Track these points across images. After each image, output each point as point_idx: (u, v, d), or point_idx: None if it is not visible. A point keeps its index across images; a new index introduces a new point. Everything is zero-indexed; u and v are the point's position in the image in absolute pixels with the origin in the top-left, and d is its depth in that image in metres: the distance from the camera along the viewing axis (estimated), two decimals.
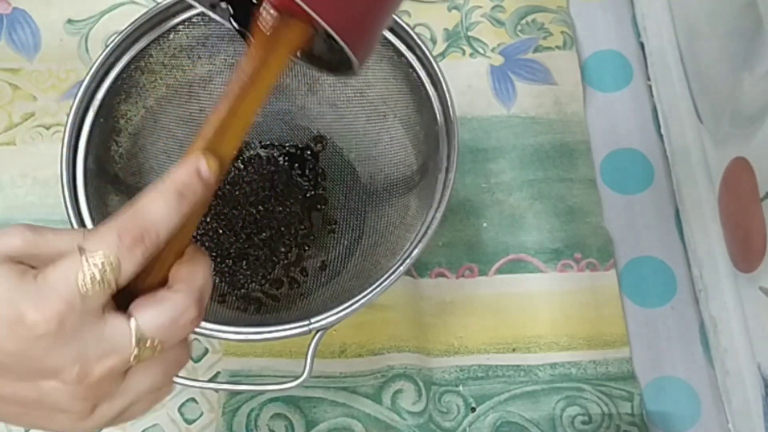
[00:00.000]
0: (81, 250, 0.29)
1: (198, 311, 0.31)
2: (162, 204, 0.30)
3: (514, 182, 0.62)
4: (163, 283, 0.32)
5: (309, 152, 0.59)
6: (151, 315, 0.30)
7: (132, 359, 0.29)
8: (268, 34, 0.34)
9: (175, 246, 0.32)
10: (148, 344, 0.29)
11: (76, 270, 0.28)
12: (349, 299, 0.45)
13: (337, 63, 0.38)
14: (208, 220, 0.57)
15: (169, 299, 0.30)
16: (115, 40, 0.49)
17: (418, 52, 0.50)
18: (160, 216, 0.30)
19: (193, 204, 0.31)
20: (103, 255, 0.29)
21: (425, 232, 0.46)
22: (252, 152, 0.59)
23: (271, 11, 0.34)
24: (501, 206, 0.61)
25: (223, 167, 0.33)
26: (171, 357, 0.31)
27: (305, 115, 0.59)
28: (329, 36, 0.32)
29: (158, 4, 0.50)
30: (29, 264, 0.29)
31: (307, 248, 0.57)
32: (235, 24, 0.41)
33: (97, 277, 0.28)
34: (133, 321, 0.29)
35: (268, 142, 0.59)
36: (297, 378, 0.45)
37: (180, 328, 0.30)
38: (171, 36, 0.51)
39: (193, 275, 0.32)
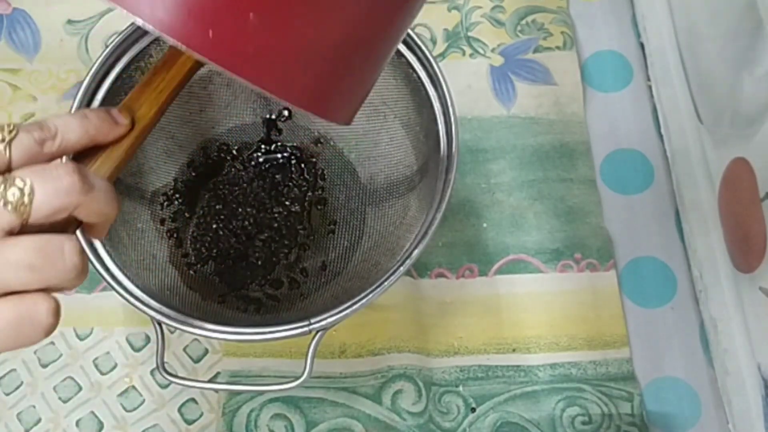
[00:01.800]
0: None
1: (82, 182, 0.30)
2: (67, 116, 0.33)
3: (514, 182, 0.62)
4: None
5: (309, 153, 0.59)
6: (27, 167, 0.30)
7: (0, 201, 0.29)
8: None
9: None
10: (15, 180, 0.29)
11: None
12: (349, 300, 0.45)
13: None
14: (208, 219, 0.57)
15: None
16: (115, 41, 0.49)
17: (418, 53, 0.50)
18: (60, 117, 0.32)
19: (96, 126, 0.33)
20: (8, 124, 0.30)
21: (425, 233, 0.46)
22: (252, 153, 0.59)
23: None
24: (501, 206, 0.61)
25: (138, 123, 0.35)
26: (53, 240, 0.30)
27: (305, 115, 0.59)
28: None
29: None
30: None
31: (307, 249, 0.57)
32: None
33: None
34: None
35: (267, 143, 0.59)
36: (297, 378, 0.45)
37: (54, 179, 0.29)
38: None
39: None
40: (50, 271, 0.29)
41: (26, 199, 0.29)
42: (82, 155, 0.34)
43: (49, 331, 0.30)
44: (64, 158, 0.33)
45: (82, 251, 0.30)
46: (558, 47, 0.67)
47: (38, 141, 0.31)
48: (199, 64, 0.38)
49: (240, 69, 0.29)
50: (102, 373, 0.56)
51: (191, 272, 0.55)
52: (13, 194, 0.29)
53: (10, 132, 0.30)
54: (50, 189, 0.29)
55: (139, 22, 0.28)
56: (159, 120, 0.37)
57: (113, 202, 0.32)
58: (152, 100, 0.37)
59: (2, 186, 0.29)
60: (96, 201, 0.31)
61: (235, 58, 0.29)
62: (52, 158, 0.32)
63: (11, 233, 0.29)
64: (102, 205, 0.32)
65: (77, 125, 0.33)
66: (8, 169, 0.30)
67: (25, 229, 0.29)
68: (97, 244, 0.47)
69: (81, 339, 0.57)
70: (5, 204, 0.29)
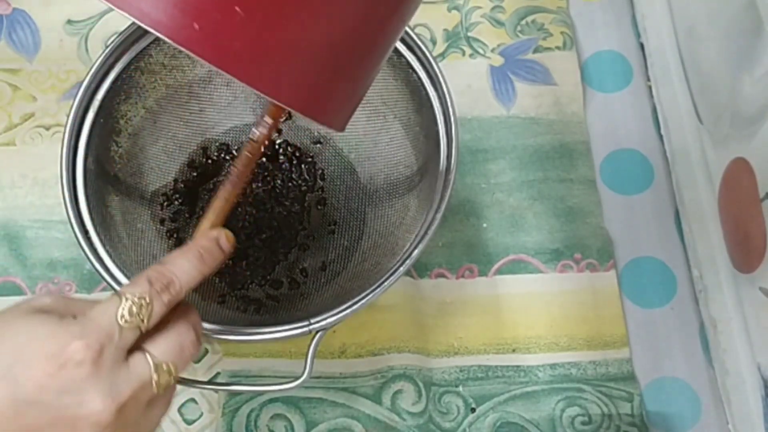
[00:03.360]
0: (119, 293, 0.34)
1: (197, 336, 0.36)
2: (185, 262, 0.36)
3: (513, 183, 0.62)
4: None
5: (309, 153, 0.59)
6: (161, 343, 0.35)
7: (154, 386, 0.34)
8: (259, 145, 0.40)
9: None
10: (164, 368, 0.34)
11: (117, 305, 0.33)
12: (349, 300, 0.45)
13: None
14: None
15: (171, 328, 0.35)
16: (115, 41, 0.49)
17: (418, 53, 0.50)
18: (183, 271, 0.36)
19: (210, 267, 0.37)
20: (138, 294, 0.34)
21: (425, 233, 0.46)
22: None
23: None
24: (501, 207, 0.61)
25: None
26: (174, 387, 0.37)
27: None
28: None
29: None
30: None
31: (307, 249, 0.57)
32: None
33: (134, 311, 0.33)
34: (147, 354, 0.34)
35: (267, 143, 0.59)
36: (297, 378, 0.45)
37: (185, 349, 0.35)
38: None
39: (187, 311, 0.37)
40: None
41: (172, 380, 0.35)
42: None
43: None
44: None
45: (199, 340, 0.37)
46: (558, 47, 0.67)
47: (168, 304, 0.35)
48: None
49: (227, 65, 0.29)
50: None
51: None
52: (164, 379, 0.34)
53: (147, 307, 0.34)
54: (183, 364, 0.36)
55: (126, 16, 0.28)
56: None
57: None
58: (225, 216, 0.41)
59: (156, 375, 0.34)
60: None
61: (221, 53, 0.29)
62: (172, 306, 0.36)
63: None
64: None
65: (196, 273, 0.37)
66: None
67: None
68: (97, 243, 0.47)
69: None
70: (158, 388, 0.34)
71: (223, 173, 0.58)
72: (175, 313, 0.36)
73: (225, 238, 0.39)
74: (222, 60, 0.28)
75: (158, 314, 0.34)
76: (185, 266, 0.36)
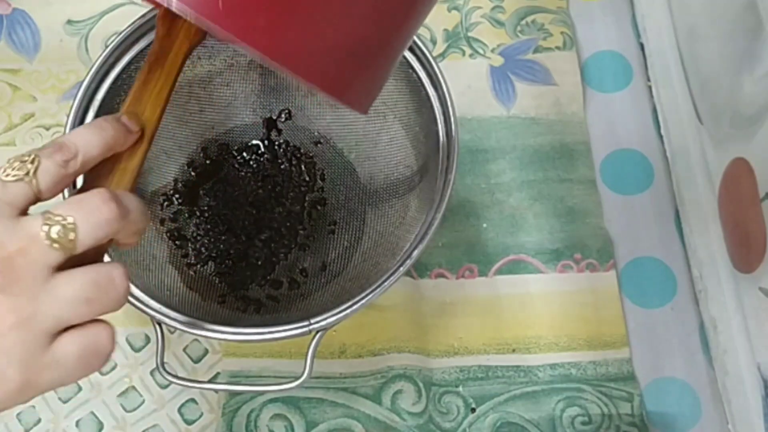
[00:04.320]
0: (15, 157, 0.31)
1: (113, 198, 0.31)
2: (83, 129, 0.33)
3: (513, 183, 0.62)
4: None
5: (309, 153, 0.59)
6: (64, 202, 0.30)
7: (45, 240, 0.29)
8: (170, 20, 0.38)
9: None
10: (57, 219, 0.29)
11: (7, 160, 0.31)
12: (349, 300, 0.45)
13: None
14: (208, 219, 0.57)
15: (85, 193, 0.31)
16: (115, 41, 0.49)
17: (418, 53, 0.50)
18: (78, 134, 0.33)
19: (114, 137, 0.34)
20: (23, 155, 0.31)
21: (425, 233, 0.46)
22: (252, 153, 0.59)
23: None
24: (501, 207, 0.61)
25: (147, 127, 0.36)
26: (102, 270, 0.31)
27: (305, 116, 0.59)
28: None
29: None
30: None
31: (307, 249, 0.57)
32: None
33: (17, 165, 0.31)
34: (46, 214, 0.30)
35: (267, 143, 0.59)
36: (297, 378, 0.45)
37: (89, 204, 0.30)
38: None
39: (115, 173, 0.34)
40: (104, 300, 0.31)
41: (71, 235, 0.30)
42: (98, 170, 0.34)
43: (110, 355, 0.32)
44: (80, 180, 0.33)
45: (127, 275, 0.32)
46: (558, 47, 0.67)
47: (62, 164, 0.32)
48: (190, 52, 0.39)
49: (250, 40, 0.28)
50: (102, 374, 0.56)
51: (191, 272, 0.55)
52: (57, 232, 0.29)
53: (32, 162, 0.31)
54: (92, 222, 0.30)
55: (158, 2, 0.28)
56: (162, 119, 0.38)
57: (146, 217, 0.33)
58: (154, 101, 0.37)
59: (46, 225, 0.29)
60: (133, 222, 0.32)
61: (244, 28, 0.28)
62: (76, 176, 0.33)
63: (60, 269, 0.30)
64: (138, 224, 0.32)
65: (96, 139, 0.33)
66: (38, 199, 0.31)
67: (69, 261, 0.30)
68: None
69: None
70: (51, 243, 0.29)
71: (223, 173, 0.58)
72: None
73: (127, 117, 0.35)
74: (246, 35, 0.28)
75: (50, 171, 0.31)
76: (82, 131, 0.33)
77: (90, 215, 0.30)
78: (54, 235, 0.29)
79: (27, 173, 0.30)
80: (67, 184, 0.32)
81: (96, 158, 0.33)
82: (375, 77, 0.36)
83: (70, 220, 0.30)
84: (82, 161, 0.32)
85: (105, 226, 0.30)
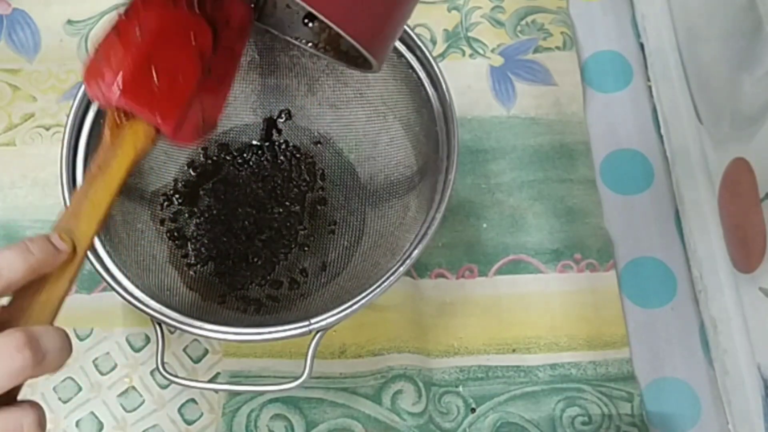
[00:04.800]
0: None
1: (34, 355, 0.30)
2: (8, 251, 0.32)
3: (514, 183, 0.62)
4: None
5: (309, 153, 0.59)
6: None
7: None
8: (117, 129, 0.38)
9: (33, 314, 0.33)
10: None
11: None
12: (349, 300, 0.45)
13: (361, 58, 0.39)
14: (208, 220, 0.57)
15: None
16: None
17: (418, 53, 0.50)
18: (3, 261, 0.31)
19: (37, 261, 0.32)
20: None
21: (425, 233, 0.46)
22: (252, 153, 0.59)
23: (121, 113, 0.38)
24: (501, 207, 0.61)
25: (79, 245, 0.35)
26: (11, 418, 0.30)
27: (305, 116, 0.59)
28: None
29: None
30: None
31: (307, 249, 0.57)
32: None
33: None
34: None
35: (267, 143, 0.59)
36: (297, 379, 0.45)
37: (6, 360, 0.29)
38: None
39: (33, 328, 0.31)
40: None
41: None
42: (24, 292, 0.33)
43: None
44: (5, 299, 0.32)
45: (41, 423, 0.31)
46: (558, 47, 0.67)
47: None
48: (134, 164, 0.38)
49: None
50: (102, 374, 0.56)
51: (191, 272, 0.55)
52: None
53: None
54: (3, 372, 0.29)
55: None
56: (98, 233, 0.37)
57: (65, 353, 0.32)
58: (90, 213, 0.36)
59: None
60: (50, 364, 0.31)
61: None
62: None
63: None
64: (55, 365, 0.31)
65: (20, 261, 0.32)
66: None
67: None
68: (98, 243, 0.47)
69: (81, 339, 0.57)
70: None
71: (223, 173, 0.58)
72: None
73: (58, 237, 0.34)
74: None
75: None
76: (5, 252, 0.32)
77: (2, 365, 0.29)
78: None
79: None
80: None
81: (20, 281, 0.32)
82: (393, 32, 0.37)
83: None
84: (3, 284, 0.31)
85: (17, 375, 0.30)
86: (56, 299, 0.34)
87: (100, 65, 0.37)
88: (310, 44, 0.44)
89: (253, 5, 0.43)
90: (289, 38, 0.45)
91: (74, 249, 0.35)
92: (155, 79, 0.37)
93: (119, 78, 0.37)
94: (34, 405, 0.31)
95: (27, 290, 0.33)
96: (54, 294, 0.34)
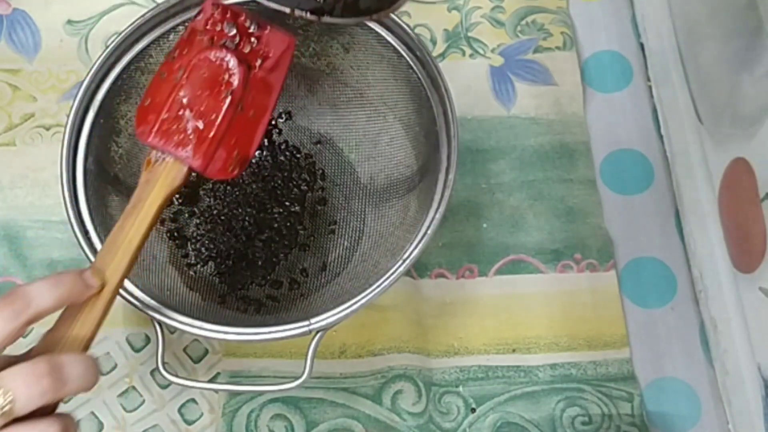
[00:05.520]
0: None
1: (58, 381, 0.33)
2: (41, 283, 0.35)
3: (514, 183, 0.62)
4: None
5: (309, 153, 0.59)
6: (9, 372, 0.33)
7: None
8: (151, 167, 0.41)
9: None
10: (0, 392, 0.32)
11: None
12: (349, 300, 0.45)
13: (375, 7, 0.39)
14: (208, 220, 0.57)
15: (28, 360, 0.33)
16: (115, 41, 0.50)
17: (418, 53, 0.50)
18: (35, 286, 0.35)
19: (68, 294, 0.36)
20: None
21: (425, 233, 0.46)
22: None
23: (156, 151, 0.41)
24: (501, 207, 0.61)
25: (110, 280, 0.39)
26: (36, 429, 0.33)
27: (305, 116, 0.59)
28: None
29: (158, 4, 0.50)
30: None
31: (307, 249, 0.57)
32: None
33: None
34: None
35: (267, 143, 0.59)
36: (297, 379, 0.45)
37: (30, 385, 0.33)
38: (171, 37, 0.51)
39: (60, 357, 0.35)
40: None
41: (7, 407, 0.32)
42: (60, 319, 0.37)
43: None
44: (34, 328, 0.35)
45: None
46: (558, 47, 0.67)
47: (11, 317, 0.33)
48: (166, 202, 0.41)
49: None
50: (102, 374, 0.56)
51: (191, 272, 0.55)
52: None
53: None
54: (28, 395, 0.32)
55: None
56: (132, 267, 0.40)
57: (89, 379, 0.35)
58: (124, 249, 0.39)
59: None
60: (73, 389, 0.34)
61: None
62: (28, 326, 0.34)
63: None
64: (78, 388, 0.35)
65: (50, 292, 0.35)
66: None
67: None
68: (98, 244, 0.47)
69: None
70: None
71: None
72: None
73: (90, 273, 0.38)
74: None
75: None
76: (39, 283, 0.35)
77: (27, 389, 0.32)
78: None
79: None
80: (16, 336, 0.34)
81: (48, 310, 0.35)
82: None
83: (9, 396, 0.32)
84: (33, 312, 0.34)
85: (42, 398, 0.33)
86: (88, 331, 0.38)
87: (141, 107, 0.41)
88: (314, 15, 0.44)
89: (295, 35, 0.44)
90: (297, 10, 0.44)
91: (103, 285, 0.38)
92: (186, 119, 0.40)
93: (153, 120, 0.40)
94: (61, 417, 0.34)
95: (65, 320, 0.37)
96: (86, 326, 0.37)
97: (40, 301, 0.34)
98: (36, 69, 0.66)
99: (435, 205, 0.47)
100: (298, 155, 0.59)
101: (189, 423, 0.55)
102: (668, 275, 0.60)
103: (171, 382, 0.47)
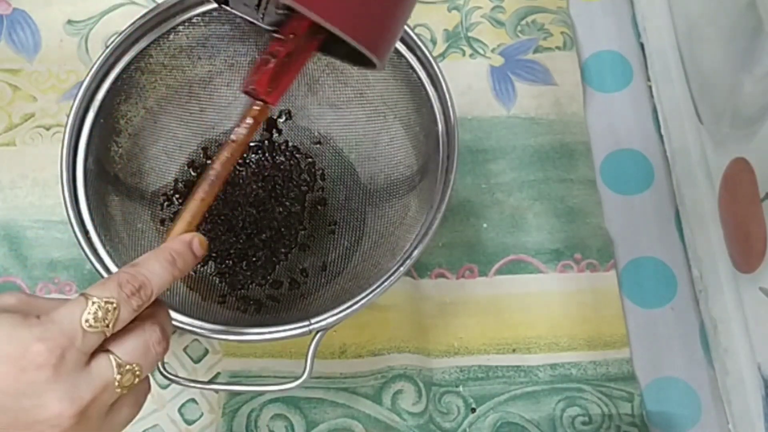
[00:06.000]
0: (85, 296, 0.33)
1: (164, 336, 0.36)
2: (157, 265, 0.36)
3: (514, 183, 0.62)
4: None
5: (309, 153, 0.59)
6: (126, 344, 0.34)
7: (117, 387, 0.33)
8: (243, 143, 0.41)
9: None
10: (127, 368, 0.34)
11: (82, 309, 0.32)
12: (349, 300, 0.45)
13: (364, 57, 0.39)
14: (208, 220, 0.57)
15: (138, 328, 0.35)
16: (115, 41, 0.49)
17: (418, 53, 0.50)
18: (155, 274, 0.35)
19: (182, 271, 0.37)
20: (106, 299, 0.33)
21: (425, 233, 0.46)
22: (252, 153, 0.59)
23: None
24: (501, 207, 0.61)
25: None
26: (140, 387, 0.36)
27: (305, 116, 0.59)
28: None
29: (158, 4, 0.50)
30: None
31: (307, 249, 0.57)
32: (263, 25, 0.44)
33: (100, 316, 0.32)
34: (111, 355, 0.34)
35: (267, 143, 0.59)
36: (297, 378, 0.45)
37: (151, 350, 0.35)
38: (171, 36, 0.51)
39: (155, 311, 0.36)
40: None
41: (137, 380, 0.34)
42: None
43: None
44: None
45: (163, 336, 0.36)
46: (558, 47, 0.67)
47: (136, 309, 0.34)
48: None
49: None
50: None
51: (191, 272, 0.55)
52: (128, 380, 0.34)
53: (114, 310, 0.33)
54: (151, 362, 0.35)
55: None
56: None
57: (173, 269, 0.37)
58: (200, 218, 0.41)
59: (119, 374, 0.33)
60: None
61: None
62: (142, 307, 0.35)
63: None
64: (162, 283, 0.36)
65: (168, 277, 0.36)
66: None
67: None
68: (97, 243, 0.47)
69: None
70: (122, 389, 0.34)
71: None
72: (143, 311, 0.35)
73: (198, 243, 0.38)
74: None
75: (124, 320, 0.34)
76: (157, 269, 0.35)
77: (151, 358, 0.35)
78: (126, 383, 0.34)
79: (107, 325, 0.33)
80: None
81: (162, 290, 0.36)
82: (395, 30, 0.38)
83: (137, 369, 0.34)
84: (151, 298, 0.35)
85: (157, 361, 0.36)
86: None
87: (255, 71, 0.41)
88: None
89: (256, 6, 0.43)
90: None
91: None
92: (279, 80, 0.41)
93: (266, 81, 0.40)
94: (155, 319, 0.36)
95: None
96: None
97: (159, 285, 0.35)
98: (36, 69, 0.66)
99: (435, 205, 0.47)
100: (298, 155, 0.59)
101: (189, 423, 0.55)
102: (668, 275, 0.60)
103: (171, 382, 0.47)
